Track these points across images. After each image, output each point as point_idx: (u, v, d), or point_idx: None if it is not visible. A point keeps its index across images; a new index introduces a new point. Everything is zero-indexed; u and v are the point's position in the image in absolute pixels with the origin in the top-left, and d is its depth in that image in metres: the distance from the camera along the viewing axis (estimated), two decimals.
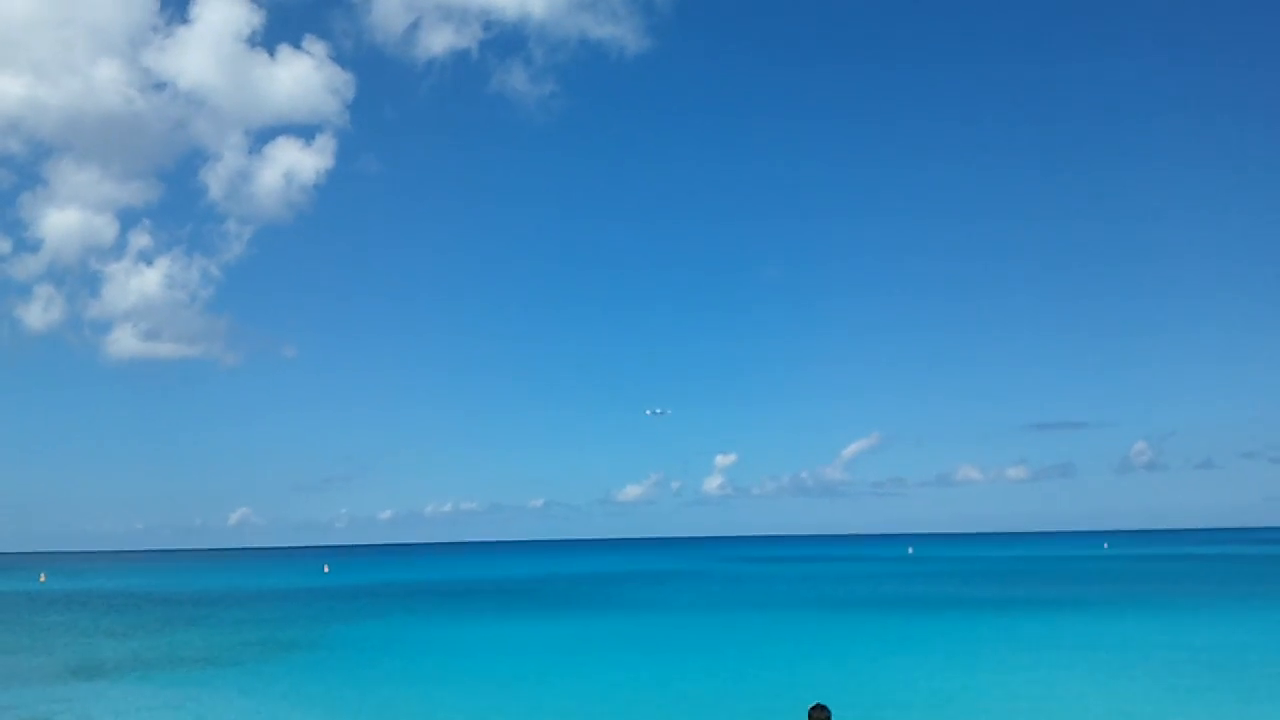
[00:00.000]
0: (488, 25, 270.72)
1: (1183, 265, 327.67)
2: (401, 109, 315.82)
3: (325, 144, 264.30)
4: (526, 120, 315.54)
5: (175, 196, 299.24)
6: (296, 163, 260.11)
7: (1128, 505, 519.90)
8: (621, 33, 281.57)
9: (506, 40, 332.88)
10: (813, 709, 11.89)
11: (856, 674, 36.28)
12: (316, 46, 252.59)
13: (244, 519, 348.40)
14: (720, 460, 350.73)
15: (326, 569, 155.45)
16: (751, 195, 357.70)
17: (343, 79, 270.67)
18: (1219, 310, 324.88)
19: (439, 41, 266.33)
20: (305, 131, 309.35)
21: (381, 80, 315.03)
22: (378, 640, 50.37)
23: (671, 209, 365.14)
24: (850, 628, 54.09)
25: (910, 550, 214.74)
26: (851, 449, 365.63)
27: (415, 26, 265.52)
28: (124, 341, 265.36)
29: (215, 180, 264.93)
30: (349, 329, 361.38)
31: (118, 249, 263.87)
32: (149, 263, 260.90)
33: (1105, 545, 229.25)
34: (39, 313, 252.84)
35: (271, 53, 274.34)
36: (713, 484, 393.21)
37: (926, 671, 36.52)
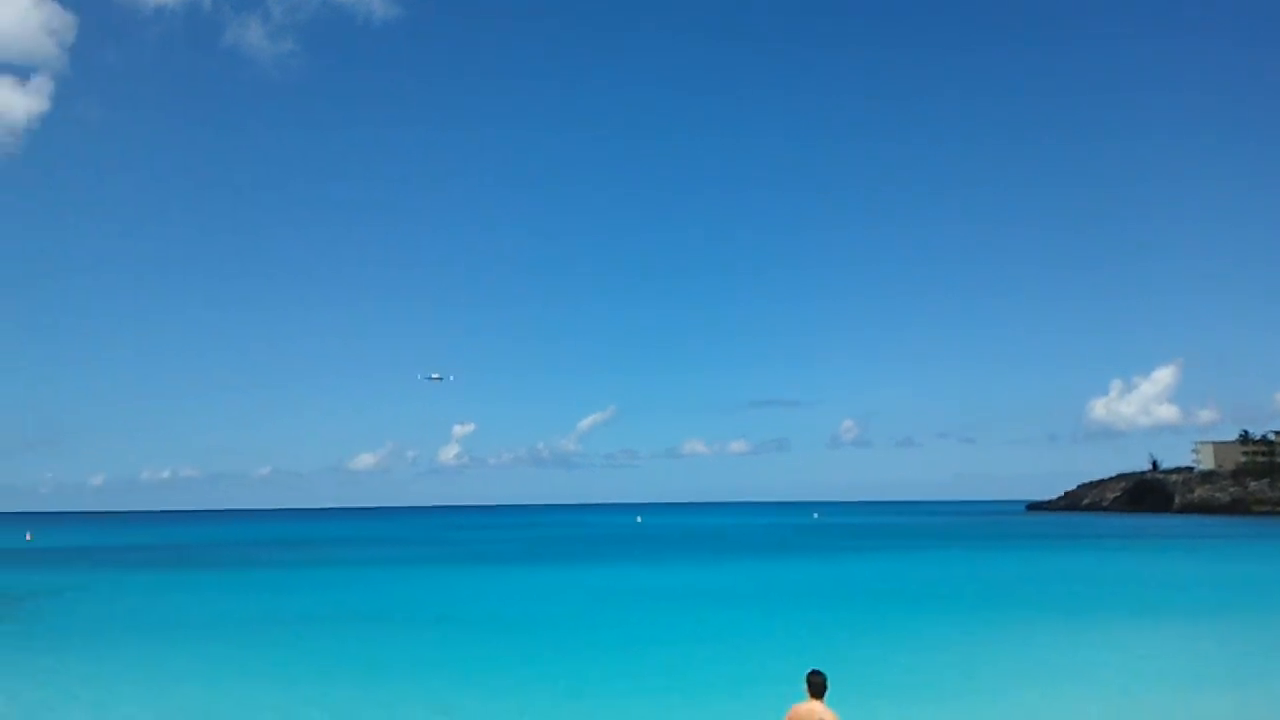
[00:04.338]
0: None
1: (887, 267, 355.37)
2: (126, 55, 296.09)
3: (41, 86, 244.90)
4: (261, 77, 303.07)
5: None
6: (7, 104, 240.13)
7: (837, 478, 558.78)
8: None
9: None
10: (810, 674, 12.15)
11: (576, 617, 39.76)
12: None
13: None
14: (458, 430, 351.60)
15: (29, 536, 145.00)
16: (495, 165, 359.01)
17: (63, 20, 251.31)
18: (917, 305, 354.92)
19: None
20: (19, 71, 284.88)
21: (105, 24, 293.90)
22: (84, 606, 48.61)
23: (410, 174, 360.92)
24: (569, 580, 57.80)
25: (639, 519, 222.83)
26: (586, 421, 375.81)
27: None
28: None
29: None
30: (53, 280, 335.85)
31: None
32: None
33: (815, 515, 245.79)
34: None
35: None
36: (449, 453, 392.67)
37: (639, 611, 40.60)
